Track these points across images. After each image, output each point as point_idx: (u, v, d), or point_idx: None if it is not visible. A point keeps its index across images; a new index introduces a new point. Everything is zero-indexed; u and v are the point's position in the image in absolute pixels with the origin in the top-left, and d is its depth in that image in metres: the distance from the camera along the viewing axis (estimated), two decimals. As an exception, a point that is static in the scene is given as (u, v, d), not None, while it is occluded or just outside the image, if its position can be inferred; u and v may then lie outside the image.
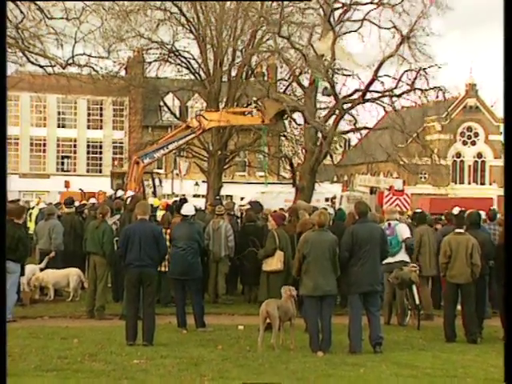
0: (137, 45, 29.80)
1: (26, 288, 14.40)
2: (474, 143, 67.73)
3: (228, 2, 29.62)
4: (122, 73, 31.25)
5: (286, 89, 30.53)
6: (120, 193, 20.35)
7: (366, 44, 24.30)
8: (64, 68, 25.37)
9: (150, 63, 30.99)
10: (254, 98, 32.25)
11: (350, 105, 23.76)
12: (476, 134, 67.90)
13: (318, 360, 9.36)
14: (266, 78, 38.80)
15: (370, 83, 23.11)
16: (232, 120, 23.54)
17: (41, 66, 25.42)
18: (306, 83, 25.25)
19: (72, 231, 15.98)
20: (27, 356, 9.07)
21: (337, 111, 23.74)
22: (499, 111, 52.77)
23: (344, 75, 23.32)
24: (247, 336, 10.98)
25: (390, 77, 23.08)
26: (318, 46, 23.02)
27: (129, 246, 10.30)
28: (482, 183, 67.40)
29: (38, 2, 23.95)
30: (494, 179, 65.54)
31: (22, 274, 13.12)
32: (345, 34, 24.36)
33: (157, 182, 27.93)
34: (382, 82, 23.27)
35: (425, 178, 28.81)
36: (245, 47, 29.56)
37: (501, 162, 62.15)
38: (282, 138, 31.73)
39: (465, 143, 67.04)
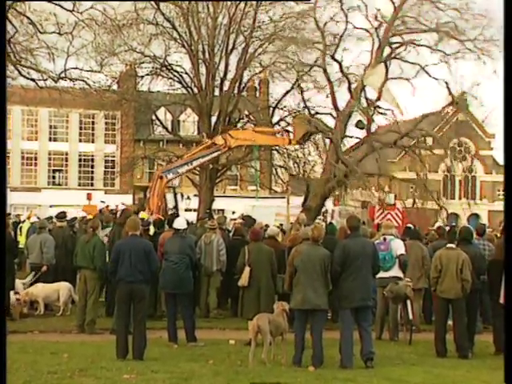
0: (129, 59, 29.83)
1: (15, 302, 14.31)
2: (464, 158, 67.86)
3: (220, 17, 29.71)
4: (115, 87, 31.22)
5: (277, 103, 30.57)
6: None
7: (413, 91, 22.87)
8: (56, 82, 25.33)
9: (142, 77, 30.99)
10: (246, 112, 32.34)
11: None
12: (467, 149, 68.06)
13: (309, 375, 9.32)
14: (257, 94, 39.03)
15: (408, 132, 22.82)
16: (258, 140, 23.35)
17: (33, 80, 25.37)
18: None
19: (63, 245, 15.92)
20: (16, 371, 8.96)
21: (364, 145, 23.33)
22: (490, 127, 52.83)
23: (382, 113, 22.71)
24: (238, 351, 10.94)
25: (430, 134, 22.85)
26: (364, 77, 22.34)
27: (120, 262, 10.27)
28: (473, 198, 67.52)
29: (30, 16, 23.95)
30: (485, 194, 65.73)
31: (12, 288, 13.04)
32: (396, 78, 23.45)
33: (179, 197, 27.83)
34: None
35: (415, 192, 28.84)
36: (237, 61, 29.62)
37: (491, 178, 62.38)
38: (274, 152, 31.66)
39: (455, 158, 67.09)
